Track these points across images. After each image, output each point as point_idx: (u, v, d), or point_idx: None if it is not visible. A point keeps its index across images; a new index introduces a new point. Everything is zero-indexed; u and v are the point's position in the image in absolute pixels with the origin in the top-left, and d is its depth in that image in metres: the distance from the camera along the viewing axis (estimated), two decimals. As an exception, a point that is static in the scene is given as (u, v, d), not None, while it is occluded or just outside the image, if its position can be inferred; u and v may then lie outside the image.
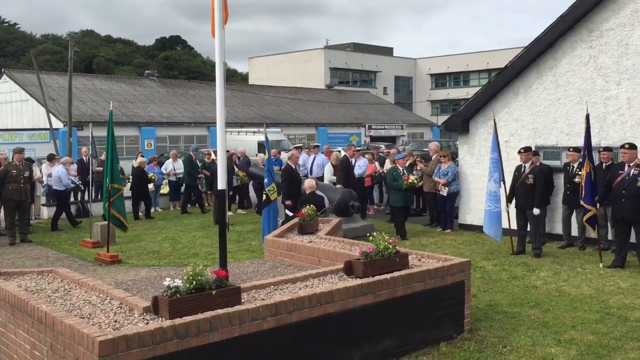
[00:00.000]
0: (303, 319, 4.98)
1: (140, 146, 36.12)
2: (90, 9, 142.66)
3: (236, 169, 16.59)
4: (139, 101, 41.24)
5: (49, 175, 16.47)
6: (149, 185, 17.44)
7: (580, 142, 10.52)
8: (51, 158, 16.92)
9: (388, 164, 15.21)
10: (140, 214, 16.09)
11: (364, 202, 15.00)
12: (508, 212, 10.56)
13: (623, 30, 10.68)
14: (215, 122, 6.48)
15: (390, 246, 5.96)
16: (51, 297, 5.25)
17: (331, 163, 15.24)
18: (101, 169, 15.37)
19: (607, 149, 10.45)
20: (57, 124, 32.88)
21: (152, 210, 17.47)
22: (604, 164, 10.26)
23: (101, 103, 38.11)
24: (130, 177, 17.05)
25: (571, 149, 10.90)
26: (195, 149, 18.55)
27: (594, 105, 10.84)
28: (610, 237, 10.47)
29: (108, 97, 37.91)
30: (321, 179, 15.17)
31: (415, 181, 12.63)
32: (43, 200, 16.68)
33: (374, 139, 48.70)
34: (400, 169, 12.59)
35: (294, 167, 12.85)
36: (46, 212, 16.17)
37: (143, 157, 18.05)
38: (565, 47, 11.49)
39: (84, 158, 17.38)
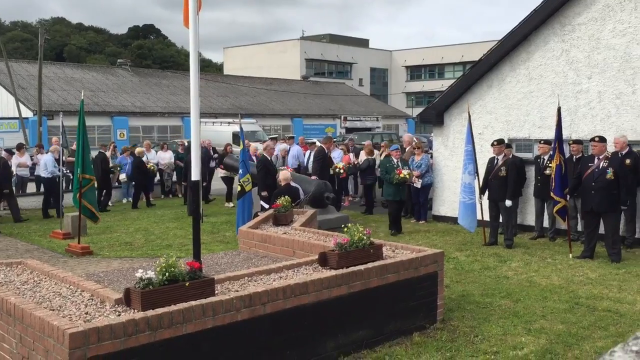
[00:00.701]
0: (277, 310, 4.98)
1: (112, 136, 35.65)
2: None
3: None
4: (111, 90, 40.63)
5: (18, 165, 16.18)
6: (121, 175, 17.24)
7: (552, 134, 10.67)
8: (20, 147, 16.60)
9: (363, 155, 15.25)
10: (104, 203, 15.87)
11: (339, 193, 15.02)
12: (481, 204, 10.68)
13: (594, 25, 10.84)
14: (190, 113, 6.41)
15: (365, 237, 5.98)
16: (20, 289, 5.15)
17: None
18: (72, 159, 15.14)
19: (578, 141, 10.62)
20: (26, 113, 32.25)
21: (125, 201, 17.31)
22: (574, 157, 10.44)
23: (72, 92, 37.46)
24: (121, 166, 16.88)
25: (542, 142, 11.06)
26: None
27: (565, 98, 10.99)
28: (579, 228, 10.67)
29: (79, 86, 37.29)
30: (297, 170, 15.12)
31: (408, 176, 11.72)
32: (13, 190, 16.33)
33: (349, 130, 48.78)
34: (395, 161, 11.78)
35: (269, 158, 12.81)
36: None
37: (118, 145, 17.87)
38: (538, 41, 11.62)
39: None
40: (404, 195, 12.12)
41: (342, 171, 14.65)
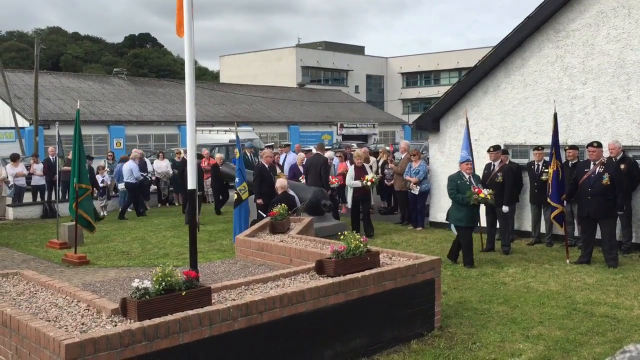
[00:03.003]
0: (274, 318, 4.96)
1: (109, 145, 35.62)
2: (57, 6, 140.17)
3: (278, 170, 15.25)
4: (108, 99, 40.63)
5: (15, 176, 16.16)
6: (120, 185, 17.19)
7: (547, 140, 10.70)
8: (15, 158, 16.58)
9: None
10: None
11: (336, 200, 14.99)
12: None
13: (588, 31, 10.89)
14: (186, 121, 6.41)
15: (362, 245, 5.98)
16: (16, 300, 5.13)
17: (355, 164, 12.73)
18: (68, 168, 15.12)
19: (573, 147, 10.65)
20: (22, 122, 32.23)
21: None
22: (570, 162, 10.46)
23: (68, 101, 37.45)
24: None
25: (539, 147, 11.06)
26: (250, 146, 17.82)
27: (560, 104, 11.03)
28: (576, 233, 10.68)
29: (75, 95, 37.28)
30: (293, 177, 15.04)
31: (490, 196, 9.36)
32: (9, 200, 16.32)
33: (345, 137, 48.87)
34: (467, 176, 9.45)
35: (266, 166, 12.79)
36: (12, 213, 15.81)
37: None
38: (533, 47, 11.67)
39: (51, 157, 17.05)
40: (477, 220, 9.76)
41: (370, 183, 12.43)
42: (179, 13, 5.92)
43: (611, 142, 10.02)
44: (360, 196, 12.41)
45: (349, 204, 12.58)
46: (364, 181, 12.31)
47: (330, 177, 13.64)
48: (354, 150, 15.64)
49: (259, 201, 11.70)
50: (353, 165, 12.77)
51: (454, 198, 9.37)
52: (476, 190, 9.17)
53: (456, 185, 9.36)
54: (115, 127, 37.40)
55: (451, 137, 12.99)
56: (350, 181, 12.52)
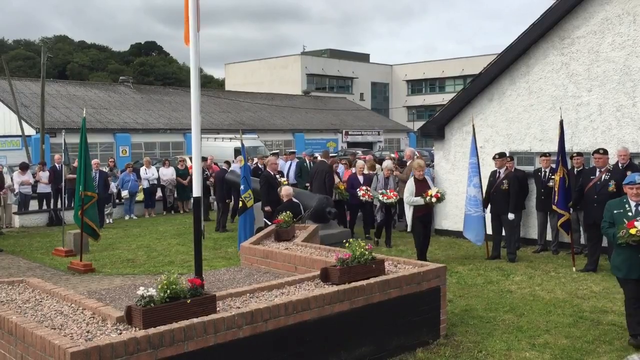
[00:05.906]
0: (279, 326, 4.95)
1: (115, 153, 35.76)
2: (64, 14, 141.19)
3: (337, 180, 13.66)
4: (114, 107, 40.82)
5: (21, 184, 16.23)
6: (123, 192, 17.23)
7: (552, 147, 10.68)
8: (24, 167, 16.66)
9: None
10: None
11: (341, 208, 14.94)
12: (484, 217, 10.63)
13: (594, 38, 10.89)
14: (191, 129, 6.43)
15: (367, 252, 5.97)
16: (22, 307, 5.14)
17: (415, 177, 10.21)
18: (73, 176, 15.16)
19: (579, 154, 10.62)
20: (29, 130, 32.42)
21: (127, 217, 17.33)
22: (576, 169, 10.43)
23: (75, 109, 37.64)
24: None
25: (547, 154, 11.03)
26: (310, 154, 16.93)
27: (566, 111, 11.01)
28: (582, 241, 10.63)
29: (82, 103, 37.52)
30: (297, 185, 15.00)
31: None
32: (15, 208, 16.37)
33: (351, 144, 48.92)
34: (633, 204, 6.23)
35: (272, 174, 12.79)
36: (18, 221, 15.87)
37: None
38: (538, 54, 11.67)
39: (57, 165, 17.11)
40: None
41: (435, 199, 9.92)
42: (187, 22, 5.95)
43: (621, 148, 9.95)
44: (422, 216, 10.16)
45: (409, 226, 10.35)
46: (427, 197, 9.92)
47: (388, 190, 11.96)
48: (363, 157, 13.35)
49: (267, 208, 11.68)
50: (412, 179, 10.23)
51: (605, 233, 6.47)
52: (628, 224, 6.00)
53: (611, 215, 6.32)
54: (121, 135, 37.56)
55: (456, 145, 12.98)
56: (410, 198, 10.02)
